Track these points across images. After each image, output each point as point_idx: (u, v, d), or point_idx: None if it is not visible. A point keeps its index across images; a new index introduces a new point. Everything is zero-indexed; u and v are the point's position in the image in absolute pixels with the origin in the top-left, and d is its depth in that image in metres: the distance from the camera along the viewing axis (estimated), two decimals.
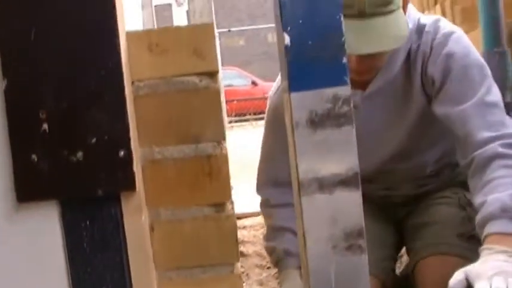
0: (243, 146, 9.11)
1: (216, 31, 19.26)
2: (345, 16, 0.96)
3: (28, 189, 0.99)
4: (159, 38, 1.09)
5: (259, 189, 2.35)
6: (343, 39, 0.97)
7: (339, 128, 1.00)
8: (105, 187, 0.99)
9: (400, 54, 1.97)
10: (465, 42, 1.93)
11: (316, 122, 0.99)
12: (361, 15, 1.77)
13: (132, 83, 1.08)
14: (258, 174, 2.34)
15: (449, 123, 1.88)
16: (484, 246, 1.62)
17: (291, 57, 0.99)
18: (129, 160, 0.99)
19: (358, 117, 1.99)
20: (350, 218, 0.97)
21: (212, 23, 1.09)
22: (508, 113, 1.98)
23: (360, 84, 2.01)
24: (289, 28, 0.99)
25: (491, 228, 1.63)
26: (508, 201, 1.64)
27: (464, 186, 1.97)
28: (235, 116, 18.03)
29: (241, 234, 3.86)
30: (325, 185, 0.97)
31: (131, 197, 1.02)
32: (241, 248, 3.57)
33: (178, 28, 1.08)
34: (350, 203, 0.98)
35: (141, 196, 1.04)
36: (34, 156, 0.97)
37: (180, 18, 20.48)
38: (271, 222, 2.30)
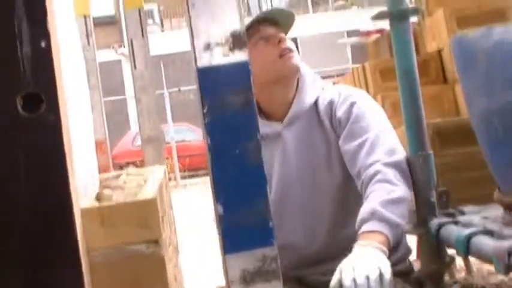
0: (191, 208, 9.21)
1: (166, 91, 19.42)
2: None
3: None
4: (110, 212, 1.24)
5: None
6: (269, 206, 1.15)
7: (269, 282, 1.16)
8: None
9: (309, 91, 2.33)
10: (368, 98, 2.32)
11: (248, 280, 1.15)
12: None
13: (88, 252, 1.22)
14: None
15: (348, 158, 2.19)
16: (356, 243, 1.91)
17: (224, 224, 1.16)
18: None
19: (283, 148, 2.25)
20: None
21: (155, 198, 1.26)
22: (433, 214, 2.18)
23: (277, 116, 2.34)
24: (222, 200, 1.15)
25: (362, 229, 1.95)
26: (377, 206, 1.95)
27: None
28: (189, 171, 18.08)
29: None
30: None
31: None
32: None
33: (126, 203, 1.23)
34: None
35: None
36: None
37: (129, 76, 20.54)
38: None
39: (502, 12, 3.88)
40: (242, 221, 1.16)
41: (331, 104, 2.28)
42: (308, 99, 2.32)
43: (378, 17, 2.27)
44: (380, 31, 6.52)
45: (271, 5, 29.77)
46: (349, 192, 2.24)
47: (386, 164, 2.06)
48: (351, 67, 22.73)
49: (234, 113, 1.15)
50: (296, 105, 2.32)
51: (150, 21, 26.25)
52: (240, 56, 1.16)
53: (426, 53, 4.58)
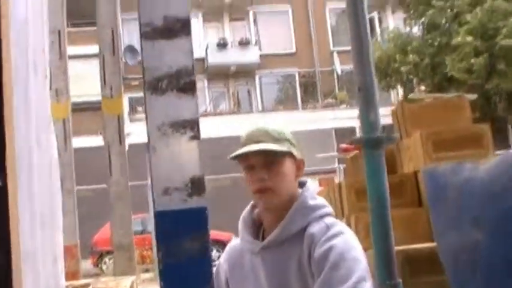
0: None
1: (149, 181, 19.37)
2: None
3: None
4: None
5: None
6: None
7: None
8: None
9: (297, 220, 2.26)
10: (350, 242, 2.21)
11: None
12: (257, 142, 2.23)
13: None
14: None
15: None
16: None
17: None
18: None
19: (257, 271, 2.21)
20: None
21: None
22: None
23: (269, 233, 2.28)
24: None
25: None
26: None
27: None
28: (149, 263, 17.85)
29: None
30: None
31: None
32: None
33: None
34: None
35: None
36: None
37: None
38: None
39: (477, 138, 3.93)
40: None
41: (312, 238, 2.23)
42: (294, 227, 2.27)
43: (352, 142, 2.29)
44: (358, 148, 6.50)
45: (262, 102, 30.22)
46: None
47: None
48: (337, 166, 22.91)
49: (189, 258, 1.14)
50: (277, 232, 2.28)
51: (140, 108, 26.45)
52: (198, 202, 1.16)
53: (402, 174, 4.56)
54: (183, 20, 1.23)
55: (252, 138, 2.29)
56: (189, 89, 1.20)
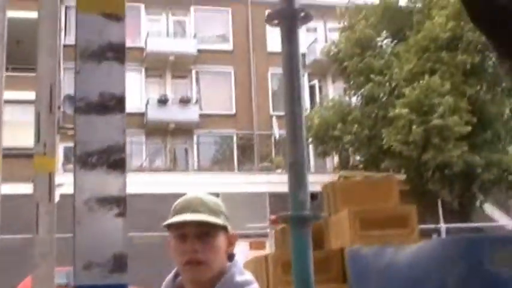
0: None
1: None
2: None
3: None
4: None
5: None
6: None
7: None
8: None
9: None
10: None
11: None
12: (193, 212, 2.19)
13: None
14: None
15: None
16: None
17: None
18: None
19: None
20: None
21: None
22: None
23: None
24: None
25: None
26: None
27: None
28: None
29: None
30: None
31: None
32: None
33: None
34: None
35: None
36: None
37: None
38: None
39: (403, 218, 4.03)
40: None
41: None
42: None
43: (279, 218, 2.32)
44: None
45: (198, 161, 30.19)
46: None
47: None
48: (269, 230, 22.89)
49: None
50: None
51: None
52: (119, 279, 1.17)
53: (329, 250, 4.57)
54: (119, 97, 1.25)
55: (188, 207, 2.25)
56: (119, 165, 1.22)
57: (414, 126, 19.89)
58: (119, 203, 1.19)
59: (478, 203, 22.85)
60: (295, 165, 2.36)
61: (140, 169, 27.94)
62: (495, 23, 1.95)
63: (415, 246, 1.93)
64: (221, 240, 2.26)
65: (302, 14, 2.34)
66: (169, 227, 2.25)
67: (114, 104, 1.24)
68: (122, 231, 1.18)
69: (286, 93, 2.28)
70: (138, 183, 24.70)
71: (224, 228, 2.27)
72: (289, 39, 2.30)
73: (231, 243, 2.31)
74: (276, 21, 2.32)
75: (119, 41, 1.27)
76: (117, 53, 1.26)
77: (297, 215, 2.27)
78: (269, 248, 16.44)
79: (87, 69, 1.24)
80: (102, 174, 1.20)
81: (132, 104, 28.97)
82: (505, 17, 1.88)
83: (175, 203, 2.30)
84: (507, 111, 21.83)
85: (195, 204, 2.26)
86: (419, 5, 23.69)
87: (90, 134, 1.22)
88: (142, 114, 29.47)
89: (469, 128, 20.04)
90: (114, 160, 1.21)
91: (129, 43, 30.28)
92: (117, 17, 1.26)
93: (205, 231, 2.22)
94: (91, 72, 1.24)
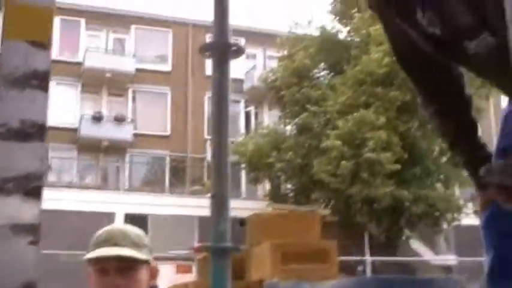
0: None
1: None
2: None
3: None
4: None
5: None
6: None
7: None
8: None
9: None
10: None
11: None
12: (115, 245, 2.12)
13: None
14: None
15: None
16: None
17: None
18: None
19: None
20: None
21: None
22: None
23: None
24: None
25: None
26: None
27: None
28: None
29: None
30: None
31: None
32: None
33: None
34: None
35: None
36: None
37: None
38: None
39: (324, 253, 4.08)
40: None
41: None
42: None
43: (200, 248, 2.33)
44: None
45: (130, 180, 29.89)
46: None
47: None
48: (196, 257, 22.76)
49: None
50: None
51: None
52: None
53: (249, 281, 4.57)
54: (40, 125, 1.26)
55: (109, 240, 2.20)
56: (35, 193, 1.22)
57: (343, 161, 20.09)
58: (33, 231, 1.19)
59: (404, 237, 23.22)
60: (217, 196, 2.38)
61: (70, 185, 27.49)
62: (420, 68, 2.02)
63: (329, 284, 1.97)
64: (143, 273, 2.23)
65: (234, 48, 2.37)
66: (90, 260, 2.19)
67: (35, 131, 1.25)
68: (34, 260, 1.18)
69: (213, 125, 2.31)
70: (67, 199, 24.31)
71: (146, 262, 2.24)
72: (220, 71, 2.33)
73: (153, 276, 2.28)
74: (208, 53, 2.35)
75: (44, 69, 1.27)
76: (42, 81, 1.27)
77: (216, 246, 2.29)
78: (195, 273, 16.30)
79: (10, 96, 1.24)
80: (18, 202, 1.20)
81: (66, 119, 28.58)
82: (429, 63, 1.95)
83: (96, 235, 2.25)
84: (437, 148, 22.31)
85: (117, 237, 2.20)
86: (357, 39, 24.09)
87: (9, 160, 1.22)
88: (75, 130, 29.09)
89: (399, 166, 20.36)
90: (31, 188, 1.21)
91: (67, 57, 29.99)
92: (43, 45, 1.27)
93: (127, 266, 2.18)
94: (14, 99, 1.24)
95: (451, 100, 1.99)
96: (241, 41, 31.35)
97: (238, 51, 2.37)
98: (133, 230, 2.29)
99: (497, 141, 1.93)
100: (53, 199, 23.83)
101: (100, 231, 2.26)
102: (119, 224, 2.41)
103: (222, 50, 2.30)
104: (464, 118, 1.98)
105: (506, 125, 1.92)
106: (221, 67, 2.30)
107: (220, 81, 2.27)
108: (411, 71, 2.06)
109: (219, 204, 2.38)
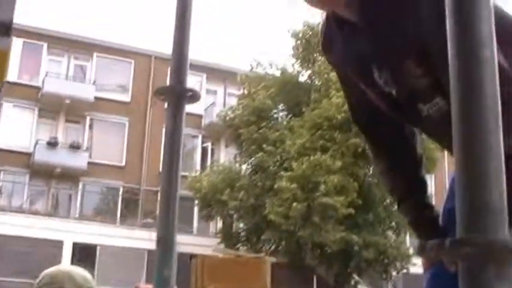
0: None
1: None
2: None
3: None
4: None
5: None
6: None
7: None
8: None
9: None
10: None
11: None
12: None
13: None
14: None
15: None
16: None
17: None
18: None
19: None
20: None
21: None
22: None
23: None
24: None
25: None
26: None
27: None
28: None
29: None
30: None
31: None
32: None
33: None
34: None
35: None
36: None
37: None
38: None
39: None
40: None
41: None
42: None
43: None
44: None
45: (81, 209, 29.49)
46: None
47: None
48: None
49: None
50: None
51: None
52: None
53: None
54: None
55: (53, 283, 2.16)
56: None
57: (295, 204, 20.10)
58: None
59: (353, 282, 23.25)
60: (163, 241, 2.36)
61: (19, 210, 27.03)
62: (372, 124, 2.04)
63: None
64: None
65: (189, 94, 2.37)
66: None
67: None
68: None
69: (164, 168, 2.29)
70: (15, 224, 23.88)
71: None
72: (174, 116, 2.32)
73: None
74: (162, 97, 2.34)
75: None
76: None
77: None
78: None
79: None
80: None
81: (20, 143, 28.22)
82: (382, 120, 1.97)
83: (41, 277, 2.20)
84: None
85: (61, 280, 2.16)
86: (318, 82, 24.31)
87: None
88: (29, 155, 28.69)
89: (352, 211, 20.44)
90: None
91: (26, 80, 29.66)
92: None
93: None
94: None
95: (402, 158, 2.01)
96: (203, 77, 31.46)
97: (193, 97, 2.36)
98: (80, 272, 2.25)
99: (445, 201, 1.95)
100: (0, 223, 23.41)
101: (43, 274, 2.22)
102: (65, 265, 2.37)
103: (178, 95, 2.29)
104: (413, 177, 2.00)
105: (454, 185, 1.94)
106: (175, 112, 2.29)
107: (174, 125, 2.26)
108: (363, 127, 2.09)
109: (164, 249, 2.36)
